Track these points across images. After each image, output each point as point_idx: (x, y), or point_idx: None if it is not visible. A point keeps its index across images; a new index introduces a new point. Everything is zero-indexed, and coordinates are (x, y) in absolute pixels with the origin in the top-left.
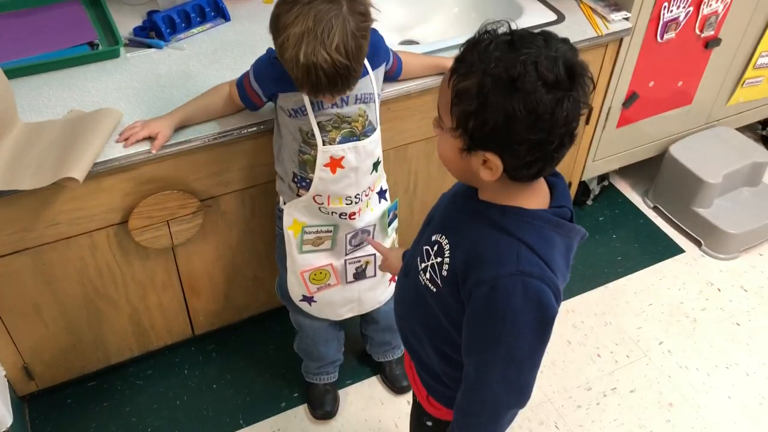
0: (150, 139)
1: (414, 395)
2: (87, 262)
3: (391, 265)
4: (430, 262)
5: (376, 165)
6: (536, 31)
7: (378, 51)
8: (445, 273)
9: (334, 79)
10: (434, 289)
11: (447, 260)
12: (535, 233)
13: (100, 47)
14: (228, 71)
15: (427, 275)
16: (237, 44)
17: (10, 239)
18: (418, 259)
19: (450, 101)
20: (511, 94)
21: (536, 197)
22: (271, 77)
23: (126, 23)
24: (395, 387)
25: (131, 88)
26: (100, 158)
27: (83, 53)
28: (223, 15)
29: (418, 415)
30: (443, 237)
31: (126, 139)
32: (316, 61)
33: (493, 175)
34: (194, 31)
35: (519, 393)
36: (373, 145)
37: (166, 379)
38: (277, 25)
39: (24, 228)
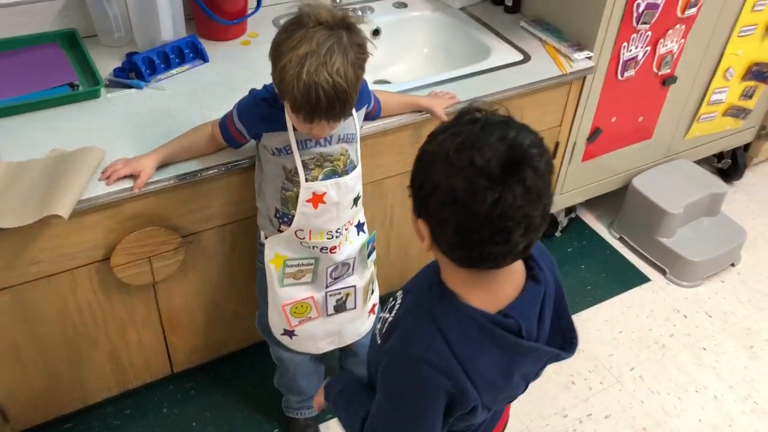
0: (132, 177)
1: None
2: (68, 300)
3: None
4: (384, 314)
5: (356, 200)
6: (518, 121)
7: (362, 93)
8: (385, 330)
9: (333, 102)
10: (379, 341)
11: (390, 318)
12: (460, 331)
13: (81, 88)
14: (208, 110)
15: (379, 325)
16: (216, 84)
17: None
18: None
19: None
20: (443, 166)
21: (485, 294)
22: (256, 117)
23: (105, 65)
24: None
25: (113, 128)
26: (83, 196)
27: (64, 94)
28: (201, 56)
29: None
30: (401, 296)
31: (108, 177)
32: (318, 80)
33: (426, 244)
34: (173, 72)
35: None
36: (354, 180)
37: (145, 418)
38: (279, 50)
39: (5, 266)
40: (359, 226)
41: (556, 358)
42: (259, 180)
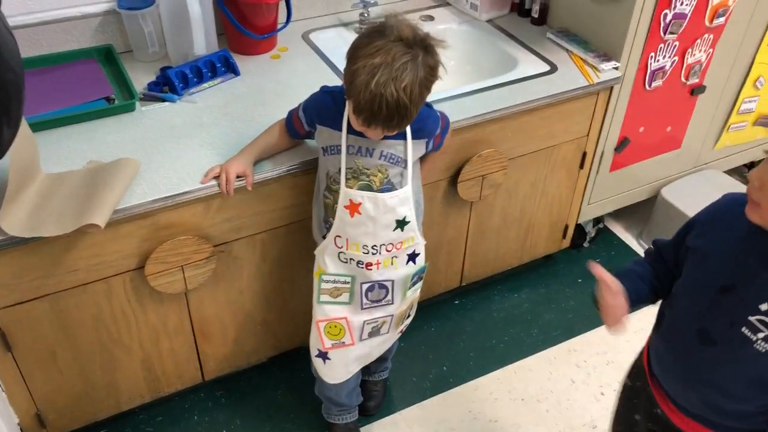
0: (238, 177)
1: None
2: (103, 307)
3: (618, 308)
4: None
5: (400, 223)
6: None
7: (425, 128)
8: None
9: (392, 115)
10: None
11: None
12: None
13: (116, 102)
14: (239, 122)
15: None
16: (246, 97)
17: (30, 286)
18: (746, 330)
19: None
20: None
21: None
22: (316, 107)
23: (140, 79)
24: (365, 404)
25: (147, 140)
26: (119, 206)
27: (101, 107)
28: (233, 70)
29: None
30: None
31: (221, 184)
32: (384, 92)
33: None
34: (205, 85)
35: None
36: (394, 201)
37: (176, 426)
38: (356, 53)
39: (44, 275)
40: (412, 256)
41: None
42: (316, 184)
